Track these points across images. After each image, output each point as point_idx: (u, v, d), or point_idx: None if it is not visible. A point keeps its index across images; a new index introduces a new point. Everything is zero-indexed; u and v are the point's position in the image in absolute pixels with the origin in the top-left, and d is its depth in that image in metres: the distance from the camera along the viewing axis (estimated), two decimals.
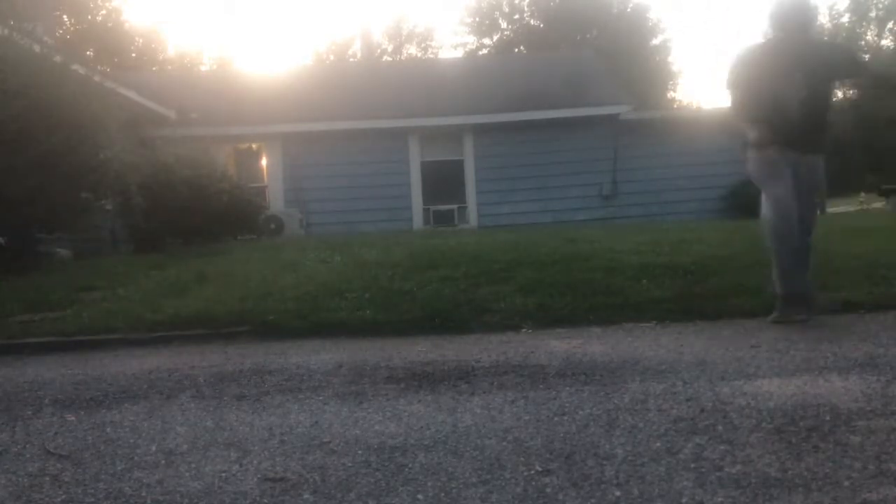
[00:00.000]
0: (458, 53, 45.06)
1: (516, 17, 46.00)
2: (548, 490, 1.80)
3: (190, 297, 5.18)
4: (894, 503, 1.66)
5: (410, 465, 2.02)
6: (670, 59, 46.28)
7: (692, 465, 1.91)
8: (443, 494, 1.81)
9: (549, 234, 8.63)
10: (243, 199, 10.94)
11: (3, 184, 6.56)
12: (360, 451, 2.16)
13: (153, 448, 2.28)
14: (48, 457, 2.25)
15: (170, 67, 38.11)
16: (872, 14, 46.63)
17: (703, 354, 3.29)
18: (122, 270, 6.68)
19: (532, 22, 45.36)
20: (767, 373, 2.88)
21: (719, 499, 1.70)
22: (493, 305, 4.59)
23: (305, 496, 1.84)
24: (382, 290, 4.99)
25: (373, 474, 1.97)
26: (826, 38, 5.40)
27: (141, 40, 38.91)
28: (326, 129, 14.41)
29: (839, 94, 45.20)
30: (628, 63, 35.54)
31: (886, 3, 45.30)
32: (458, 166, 15.01)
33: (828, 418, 2.24)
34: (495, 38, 45.85)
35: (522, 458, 2.03)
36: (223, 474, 2.02)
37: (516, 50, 41.14)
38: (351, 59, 40.66)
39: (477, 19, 46.33)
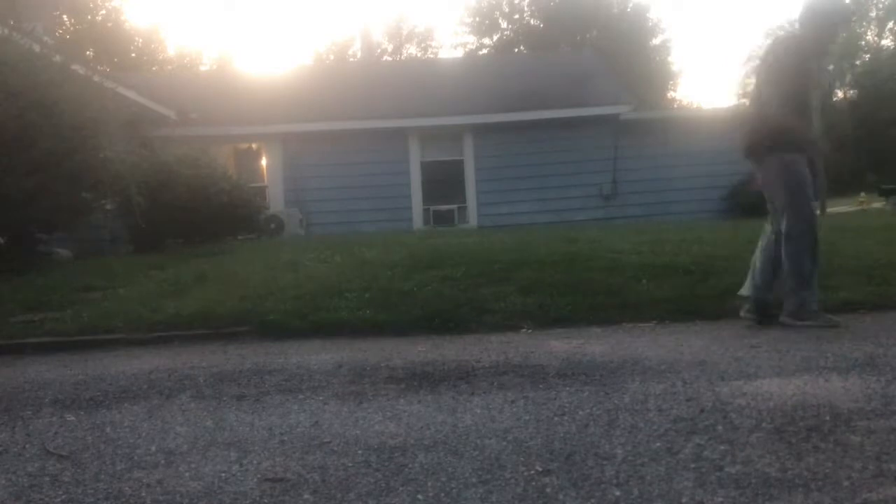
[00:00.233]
0: (458, 53, 45.13)
1: (516, 16, 46.03)
2: (548, 490, 1.80)
3: (190, 297, 5.18)
4: (894, 503, 1.66)
5: (410, 465, 2.02)
6: (670, 59, 46.36)
7: (692, 465, 1.91)
8: (443, 494, 1.81)
9: (549, 234, 8.64)
10: (243, 199, 10.93)
11: (3, 184, 6.55)
12: (360, 451, 2.16)
13: (153, 448, 2.28)
14: (48, 457, 2.25)
15: (170, 67, 38.13)
16: (872, 14, 46.63)
17: (703, 354, 3.29)
18: (122, 270, 6.68)
19: (532, 22, 45.39)
20: (767, 373, 2.88)
21: (719, 499, 1.70)
22: (493, 305, 4.59)
23: (305, 496, 1.84)
24: (382, 290, 4.99)
25: (373, 474, 1.97)
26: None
27: (141, 40, 38.93)
28: (326, 129, 14.42)
29: (839, 94, 45.30)
30: (628, 63, 35.57)
31: (886, 3, 45.30)
32: (458, 166, 15.01)
33: (828, 418, 2.24)
34: (495, 38, 45.89)
35: (522, 458, 2.03)
36: (223, 474, 2.02)
37: (516, 50, 41.17)
38: (351, 59, 40.69)
39: (477, 19, 46.36)
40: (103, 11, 36.13)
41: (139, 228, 9.04)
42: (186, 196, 9.38)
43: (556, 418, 2.39)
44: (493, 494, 1.79)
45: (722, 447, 2.03)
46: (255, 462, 2.11)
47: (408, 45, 49.32)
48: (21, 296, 5.48)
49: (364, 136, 14.52)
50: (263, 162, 15.18)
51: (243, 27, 72.57)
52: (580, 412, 2.45)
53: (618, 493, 1.76)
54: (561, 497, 1.76)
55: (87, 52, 28.86)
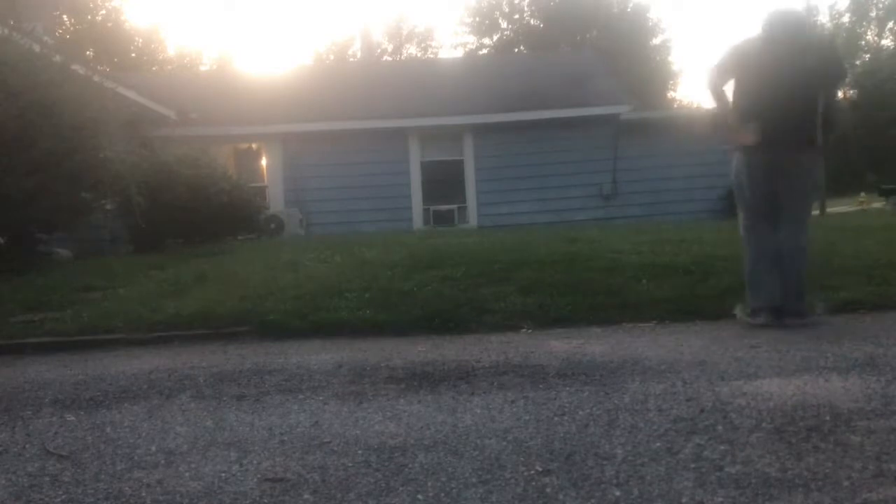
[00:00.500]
0: (458, 53, 45.14)
1: (516, 16, 46.04)
2: (548, 490, 1.80)
3: (190, 297, 5.18)
4: (894, 503, 1.66)
5: (410, 465, 2.02)
6: (670, 59, 46.37)
7: (692, 465, 1.91)
8: (443, 494, 1.81)
9: (549, 234, 8.64)
10: (243, 199, 10.93)
11: (3, 184, 6.55)
12: (360, 451, 2.16)
13: (153, 448, 2.28)
14: (48, 457, 2.25)
15: (170, 67, 38.15)
16: (872, 14, 46.66)
17: (703, 354, 3.29)
18: (122, 270, 6.68)
19: (532, 22, 45.40)
20: (767, 373, 2.88)
21: (719, 499, 1.70)
22: (493, 305, 4.59)
23: (305, 496, 1.84)
24: (382, 290, 4.99)
25: (373, 474, 1.97)
26: (821, 45, 5.15)
27: (141, 40, 38.94)
28: (326, 129, 14.42)
29: (839, 94, 45.31)
30: (628, 63, 35.58)
31: (886, 3, 45.32)
32: (458, 166, 15.01)
33: (828, 418, 2.24)
34: (495, 38, 45.89)
35: (522, 458, 2.03)
36: (223, 474, 2.02)
37: (516, 50, 41.17)
38: (351, 59, 40.70)
39: (477, 19, 46.37)
40: (103, 11, 36.14)
41: (139, 228, 9.04)
42: (186, 196, 9.38)
43: (556, 418, 2.39)
44: (493, 494, 1.79)
45: (722, 447, 2.03)
46: (255, 462, 2.11)
47: (408, 45, 49.35)
48: (21, 296, 5.48)
49: (364, 136, 14.52)
50: (263, 162, 15.18)
51: (243, 27, 72.61)
52: (580, 412, 2.45)
53: (618, 493, 1.76)
54: (561, 497, 1.76)
55: (87, 52, 28.87)
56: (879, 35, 46.95)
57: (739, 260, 5.36)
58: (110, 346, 4.27)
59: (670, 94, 46.30)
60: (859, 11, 46.42)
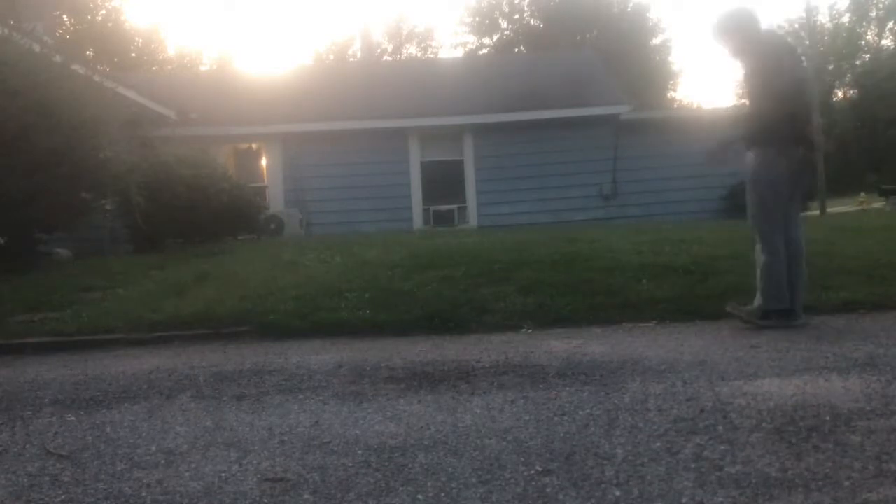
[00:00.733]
0: (458, 53, 45.13)
1: (516, 16, 46.04)
2: (548, 490, 1.80)
3: (190, 297, 5.18)
4: (894, 503, 1.66)
5: (410, 465, 2.02)
6: (670, 59, 46.37)
7: (692, 465, 1.91)
8: (443, 494, 1.81)
9: (549, 234, 8.64)
10: (243, 199, 10.93)
11: (3, 184, 6.55)
12: (360, 451, 2.16)
13: (153, 448, 2.28)
14: (48, 457, 2.25)
15: (170, 67, 38.15)
16: (872, 14, 46.65)
17: (703, 354, 3.29)
18: (122, 270, 6.68)
19: (532, 22, 45.40)
20: (767, 373, 2.88)
21: (719, 499, 1.70)
22: (493, 305, 4.59)
23: (305, 496, 1.84)
24: (382, 290, 4.99)
25: (373, 474, 1.97)
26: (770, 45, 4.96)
27: (141, 40, 38.93)
28: (326, 129, 14.42)
29: (839, 94, 45.30)
30: (628, 63, 35.59)
31: (886, 3, 45.31)
32: (457, 166, 15.01)
33: (828, 418, 2.24)
34: (495, 38, 45.90)
35: (522, 458, 2.03)
36: (223, 474, 2.02)
37: (516, 50, 41.17)
38: (351, 59, 40.70)
39: (477, 19, 46.37)
40: (103, 11, 36.13)
41: (139, 228, 9.05)
42: (186, 196, 9.37)
43: (556, 418, 2.39)
44: (493, 494, 1.79)
45: (722, 447, 2.03)
46: (255, 462, 2.11)
47: (408, 45, 49.35)
48: (21, 296, 5.48)
49: (364, 136, 14.52)
50: (263, 162, 15.18)
51: (243, 27, 72.61)
52: (580, 412, 2.45)
53: (618, 493, 1.76)
54: (561, 497, 1.76)
55: (87, 52, 28.86)
56: (879, 35, 46.95)
57: (739, 260, 5.37)
58: (110, 346, 4.27)
59: (670, 94, 46.32)
60: (859, 11, 46.40)
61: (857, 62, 45.37)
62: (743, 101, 4.67)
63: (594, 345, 3.67)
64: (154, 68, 35.92)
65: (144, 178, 8.84)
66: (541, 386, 2.83)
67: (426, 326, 4.30)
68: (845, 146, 38.45)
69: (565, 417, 2.40)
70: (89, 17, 35.12)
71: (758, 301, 3.96)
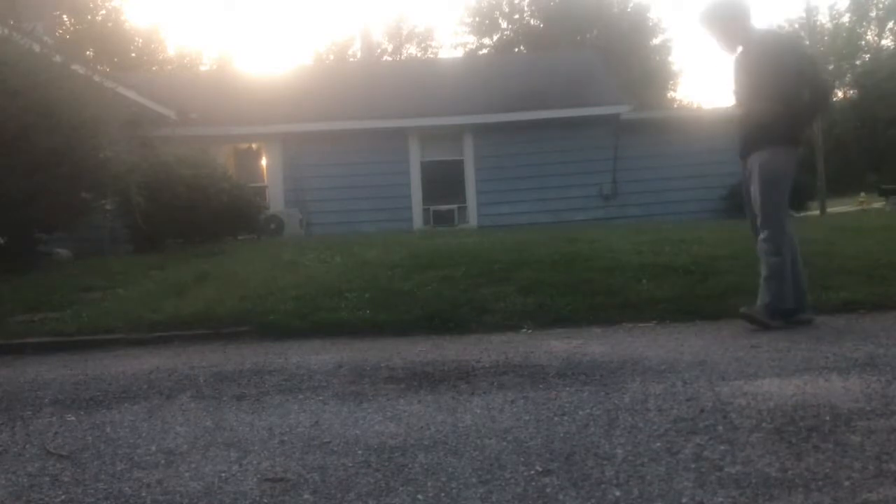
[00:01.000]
0: (458, 53, 45.13)
1: (516, 16, 46.03)
2: (548, 490, 1.80)
3: (190, 297, 5.18)
4: (894, 503, 1.66)
5: (410, 465, 2.02)
6: (670, 59, 46.36)
7: (692, 465, 1.91)
8: (443, 494, 1.81)
9: (549, 234, 8.64)
10: (243, 199, 10.94)
11: (3, 184, 6.55)
12: (360, 451, 2.16)
13: (153, 448, 2.28)
14: (48, 457, 2.25)
15: (170, 67, 38.14)
16: (872, 14, 46.65)
17: (703, 354, 3.29)
18: (122, 270, 6.68)
19: (532, 22, 45.39)
20: (767, 373, 2.88)
21: (719, 499, 1.70)
22: (493, 305, 4.59)
23: (305, 496, 1.84)
24: (382, 290, 4.99)
25: (373, 474, 1.97)
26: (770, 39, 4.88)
27: (141, 40, 38.92)
28: (326, 129, 14.42)
29: (839, 94, 45.27)
30: (628, 63, 35.59)
31: (886, 3, 45.31)
32: (458, 166, 15.01)
33: (828, 418, 2.24)
34: (495, 38, 45.89)
35: (522, 458, 2.03)
36: (223, 474, 2.02)
37: (516, 50, 41.16)
38: (351, 59, 40.70)
39: (477, 19, 46.36)
40: (103, 11, 36.12)
41: (139, 228, 9.05)
42: (186, 196, 9.38)
43: (556, 418, 2.39)
44: (493, 494, 1.79)
45: (722, 447, 2.03)
46: (255, 462, 2.11)
47: (408, 45, 49.34)
48: (21, 296, 5.49)
49: (364, 136, 14.52)
50: (263, 162, 15.18)
51: (243, 27, 72.61)
52: (580, 412, 2.45)
53: (618, 494, 1.76)
54: (561, 497, 1.76)
55: (87, 52, 28.85)
56: (879, 35, 46.95)
57: (739, 260, 5.37)
58: (110, 346, 4.27)
59: (670, 94, 46.32)
60: (859, 11, 46.40)
61: (857, 62, 45.36)
62: (737, 97, 4.57)
63: (594, 345, 3.67)
64: (154, 68, 35.92)
65: (144, 178, 8.84)
66: (541, 386, 2.83)
67: (426, 326, 4.30)
68: (845, 146, 38.45)
69: (565, 417, 2.40)
70: (89, 17, 35.10)
71: (761, 300, 3.94)
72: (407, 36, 49.65)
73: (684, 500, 1.70)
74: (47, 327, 4.59)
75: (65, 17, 31.87)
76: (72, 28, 33.15)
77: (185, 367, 3.51)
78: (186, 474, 2.03)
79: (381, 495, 1.82)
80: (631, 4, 43.50)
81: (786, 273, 3.89)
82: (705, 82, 75.62)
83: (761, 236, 3.98)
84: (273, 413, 2.63)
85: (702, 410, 2.39)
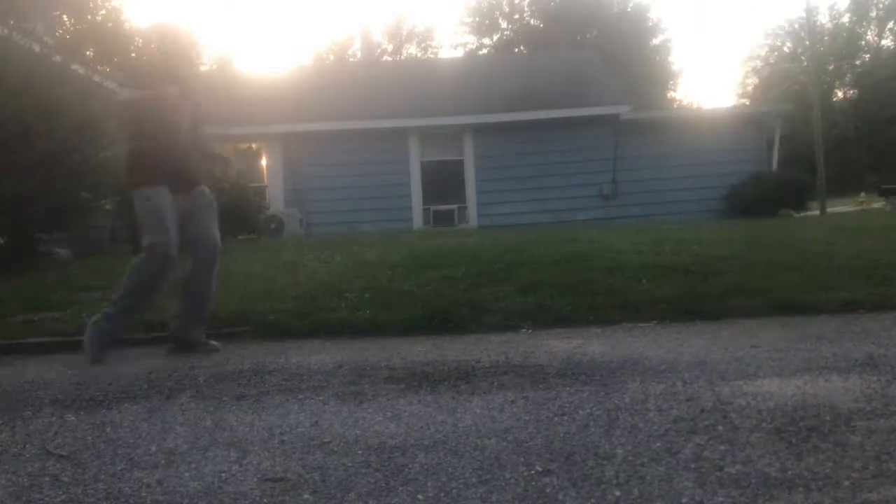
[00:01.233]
0: (458, 53, 45.11)
1: (516, 16, 46.04)
2: (548, 490, 1.80)
3: None
4: (894, 503, 1.66)
5: (410, 465, 2.02)
6: (670, 59, 46.35)
7: (692, 465, 1.91)
8: (443, 494, 1.81)
9: (549, 234, 8.64)
10: (243, 199, 10.94)
11: (3, 184, 6.56)
12: (360, 451, 2.16)
13: (153, 448, 2.28)
14: (48, 457, 2.24)
15: None
16: (872, 14, 46.62)
17: (703, 354, 3.29)
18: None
19: (532, 22, 45.39)
20: (767, 373, 2.88)
21: (719, 499, 1.70)
22: (493, 305, 4.59)
23: (305, 496, 1.84)
24: (382, 290, 4.99)
25: (373, 474, 1.97)
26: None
27: (141, 40, 38.91)
28: (326, 129, 14.42)
29: (839, 94, 45.27)
30: (628, 63, 35.59)
31: (886, 3, 45.29)
32: (458, 166, 15.02)
33: (828, 418, 2.24)
34: (495, 38, 45.89)
35: (522, 458, 2.03)
36: (223, 474, 2.02)
37: (516, 50, 41.15)
38: (351, 59, 40.67)
39: (477, 19, 46.36)
40: (103, 11, 36.09)
41: (139, 228, 9.03)
42: None
43: (556, 418, 2.39)
44: (493, 494, 1.79)
45: (722, 447, 2.03)
46: (255, 462, 2.11)
47: (408, 45, 49.32)
48: (21, 296, 5.48)
49: (364, 136, 14.52)
50: (263, 162, 15.18)
51: (243, 27, 72.59)
52: (580, 412, 2.45)
53: (618, 494, 1.76)
54: (561, 497, 1.76)
55: (87, 52, 28.83)
56: (879, 35, 46.90)
57: (739, 260, 5.38)
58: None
59: (670, 94, 46.31)
60: (859, 11, 46.36)
61: (857, 62, 45.34)
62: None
63: (594, 345, 3.67)
64: None
65: None
66: (541, 386, 2.83)
67: (426, 326, 4.30)
68: (845, 146, 38.45)
69: (565, 417, 2.40)
70: (89, 17, 35.07)
71: None
72: (407, 36, 49.64)
73: (684, 500, 1.70)
74: (47, 327, 4.58)
75: (65, 17, 31.85)
76: (72, 28, 33.12)
77: (185, 367, 3.51)
78: (186, 474, 2.03)
79: (381, 495, 1.82)
80: (631, 4, 43.49)
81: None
82: (705, 82, 75.58)
83: None
84: (273, 413, 2.63)
85: (702, 410, 2.39)
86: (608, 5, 42.69)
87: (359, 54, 33.86)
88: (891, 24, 46.22)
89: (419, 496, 1.81)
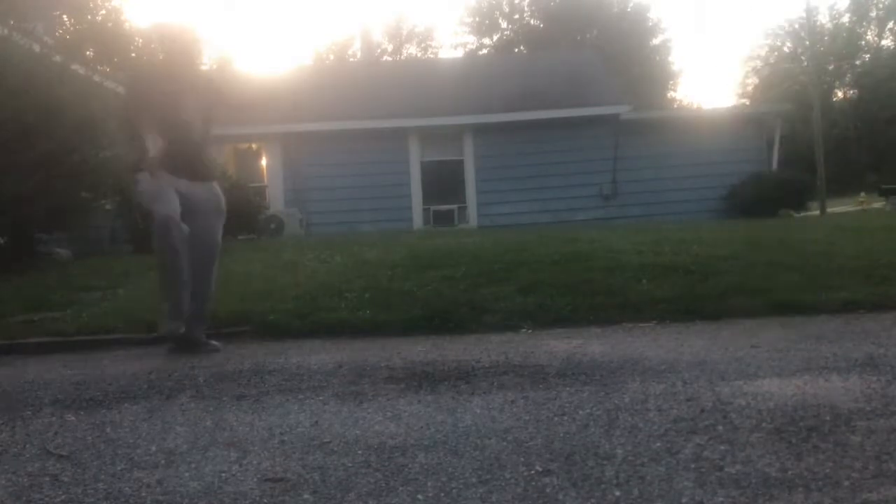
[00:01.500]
0: (458, 53, 45.09)
1: (516, 16, 46.03)
2: (548, 490, 1.80)
3: None
4: (894, 503, 1.66)
5: (410, 465, 2.02)
6: (670, 59, 46.34)
7: (692, 465, 1.91)
8: (443, 494, 1.81)
9: (549, 234, 8.64)
10: (243, 199, 10.93)
11: (3, 184, 6.56)
12: (360, 451, 2.16)
13: (153, 448, 2.28)
14: (48, 457, 2.24)
15: None
16: (872, 14, 46.61)
17: (703, 354, 3.29)
18: (122, 270, 6.68)
19: (532, 22, 45.38)
20: (767, 373, 2.88)
21: (719, 499, 1.70)
22: (493, 305, 4.59)
23: (305, 496, 1.84)
24: (382, 290, 4.99)
25: (373, 474, 1.97)
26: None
27: (141, 40, 38.90)
28: (326, 129, 14.42)
29: (839, 94, 45.28)
30: (628, 63, 35.59)
31: (886, 3, 45.28)
32: (458, 166, 15.02)
33: (828, 418, 2.24)
34: (495, 38, 45.88)
35: (522, 458, 2.03)
36: (223, 474, 2.02)
37: (516, 50, 41.14)
38: (351, 59, 40.66)
39: (477, 19, 46.36)
40: (103, 11, 36.09)
41: (139, 228, 9.03)
42: None
43: (556, 418, 2.39)
44: (493, 494, 1.79)
45: (722, 447, 2.03)
46: (255, 462, 2.11)
47: (408, 45, 49.31)
48: (21, 296, 5.48)
49: (364, 136, 14.52)
50: (263, 162, 15.18)
51: (243, 27, 72.58)
52: (580, 412, 2.45)
53: (618, 494, 1.76)
54: (561, 497, 1.76)
55: (87, 52, 28.83)
56: (879, 35, 46.89)
57: (740, 260, 5.38)
58: (110, 346, 4.27)
59: (670, 94, 46.31)
60: (859, 11, 46.35)
61: (857, 62, 45.34)
62: None
63: (594, 345, 3.67)
64: None
65: None
66: (541, 386, 2.83)
67: (426, 326, 4.30)
68: (845, 146, 38.44)
69: (565, 417, 2.40)
70: (89, 17, 35.07)
71: None
72: (407, 36, 49.63)
73: (684, 500, 1.70)
74: (47, 327, 4.58)
75: (65, 17, 31.85)
76: (72, 28, 33.12)
77: (185, 367, 3.51)
78: (186, 474, 2.03)
79: (381, 495, 1.82)
80: (631, 4, 43.49)
81: None
82: (705, 82, 75.56)
83: None
84: (273, 413, 2.63)
85: (702, 410, 2.39)
86: (608, 5, 42.68)
87: (359, 54, 33.84)
88: (891, 24, 46.21)
89: (419, 496, 1.81)
